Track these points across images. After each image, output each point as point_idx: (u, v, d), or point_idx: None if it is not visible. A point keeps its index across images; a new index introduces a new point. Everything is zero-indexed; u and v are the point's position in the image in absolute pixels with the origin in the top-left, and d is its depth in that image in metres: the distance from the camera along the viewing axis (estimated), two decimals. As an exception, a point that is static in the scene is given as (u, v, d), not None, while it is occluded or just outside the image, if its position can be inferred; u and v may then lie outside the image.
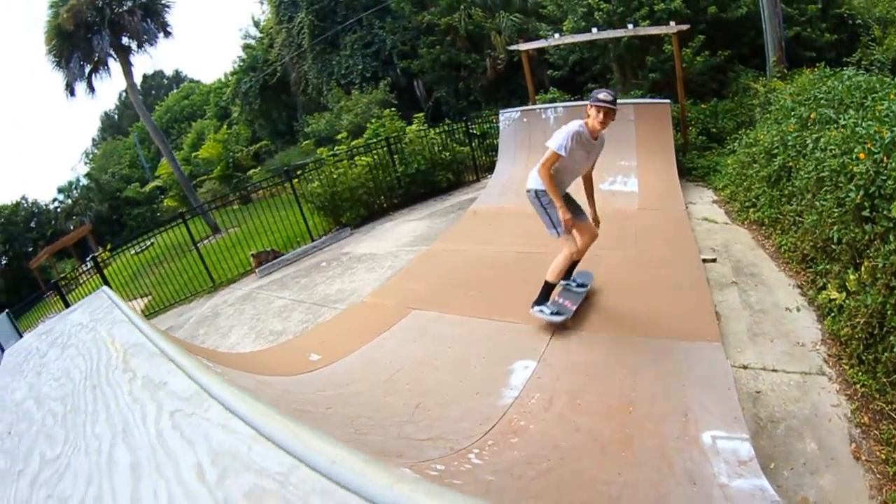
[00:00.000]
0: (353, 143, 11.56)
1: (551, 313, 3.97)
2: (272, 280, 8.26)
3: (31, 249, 29.89)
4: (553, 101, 10.83)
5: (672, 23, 8.51)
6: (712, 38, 10.07)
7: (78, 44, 17.21)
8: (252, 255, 9.42)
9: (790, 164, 5.34)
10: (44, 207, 32.40)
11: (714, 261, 5.10)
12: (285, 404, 2.75)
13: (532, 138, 8.54)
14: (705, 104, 9.73)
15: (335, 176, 9.65)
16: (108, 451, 1.24)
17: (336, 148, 11.26)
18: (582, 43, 11.04)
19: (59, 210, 32.48)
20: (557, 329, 3.97)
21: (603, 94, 3.62)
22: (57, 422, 1.55)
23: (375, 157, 10.24)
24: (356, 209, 9.90)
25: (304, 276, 7.75)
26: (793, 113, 6.05)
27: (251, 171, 21.76)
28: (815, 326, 3.80)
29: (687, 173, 8.10)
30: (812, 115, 5.42)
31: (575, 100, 11.03)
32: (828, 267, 4.08)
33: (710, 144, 8.89)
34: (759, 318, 4.03)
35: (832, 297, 3.75)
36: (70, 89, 18.02)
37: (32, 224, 31.22)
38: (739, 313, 4.13)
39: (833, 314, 3.69)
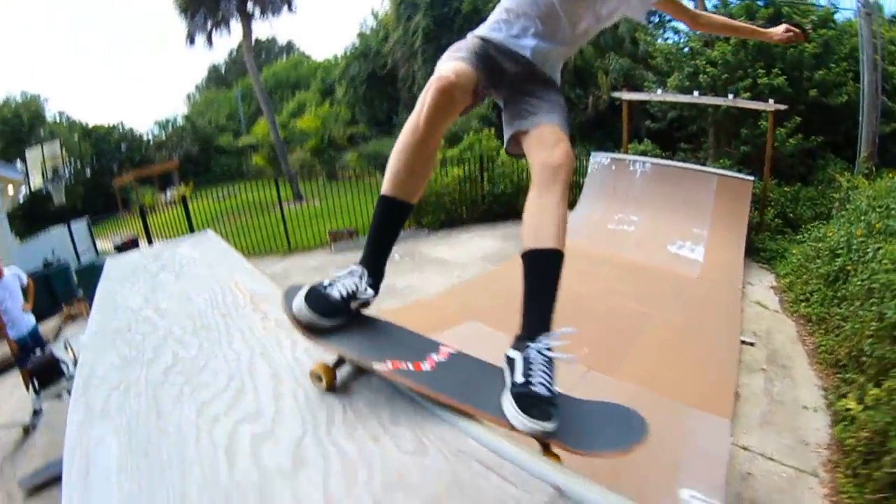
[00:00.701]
0: (448, 152, 12.25)
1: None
2: (345, 258, 8.79)
3: (115, 168, 30.82)
4: (644, 153, 10.84)
5: (771, 100, 8.60)
6: (809, 122, 9.97)
7: (205, 0, 18.67)
8: (329, 231, 10.06)
9: (849, 267, 5.40)
10: (137, 135, 33.57)
11: (752, 344, 5.35)
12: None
13: (616, 189, 8.79)
14: (789, 187, 9.62)
15: (426, 178, 10.34)
16: (248, 361, 1.37)
17: (431, 152, 12.01)
18: (682, 102, 11.20)
19: (150, 141, 33.75)
20: (591, 368, 4.21)
21: None
22: (187, 333, 1.64)
23: (466, 170, 10.93)
24: (437, 214, 10.62)
25: (375, 264, 8.35)
26: (863, 217, 6.09)
27: (347, 155, 22.61)
28: (826, 430, 3.97)
29: (754, 253, 8.14)
30: (877, 224, 5.49)
31: (666, 156, 11.07)
32: (854, 377, 4.21)
33: (785, 229, 8.83)
34: (775, 408, 4.27)
35: (849, 406, 3.83)
36: (191, 38, 19.69)
37: (123, 147, 32.21)
38: (759, 399, 4.39)
39: (845, 423, 3.81)
